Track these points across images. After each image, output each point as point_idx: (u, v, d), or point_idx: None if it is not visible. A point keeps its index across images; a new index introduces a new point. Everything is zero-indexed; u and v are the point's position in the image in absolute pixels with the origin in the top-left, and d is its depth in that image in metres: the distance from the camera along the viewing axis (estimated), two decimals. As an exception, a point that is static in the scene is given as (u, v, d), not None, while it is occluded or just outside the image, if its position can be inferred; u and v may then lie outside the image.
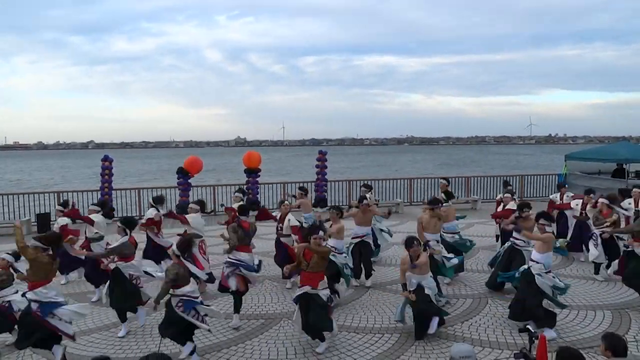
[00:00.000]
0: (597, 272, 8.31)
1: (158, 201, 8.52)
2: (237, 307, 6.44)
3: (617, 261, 7.87)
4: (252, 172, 15.40)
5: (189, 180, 14.77)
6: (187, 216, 7.73)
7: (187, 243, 5.68)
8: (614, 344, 4.05)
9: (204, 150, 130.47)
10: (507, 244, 7.74)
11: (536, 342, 4.11)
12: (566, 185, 11.11)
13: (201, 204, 8.27)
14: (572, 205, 9.57)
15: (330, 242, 6.95)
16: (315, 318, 5.55)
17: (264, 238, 10.48)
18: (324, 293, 5.67)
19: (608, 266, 8.34)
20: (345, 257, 7.34)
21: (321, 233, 5.79)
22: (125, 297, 6.14)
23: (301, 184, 16.27)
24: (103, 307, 7.10)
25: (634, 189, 9.23)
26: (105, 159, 14.83)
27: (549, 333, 5.61)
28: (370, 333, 6.18)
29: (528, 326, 4.51)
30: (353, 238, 8.02)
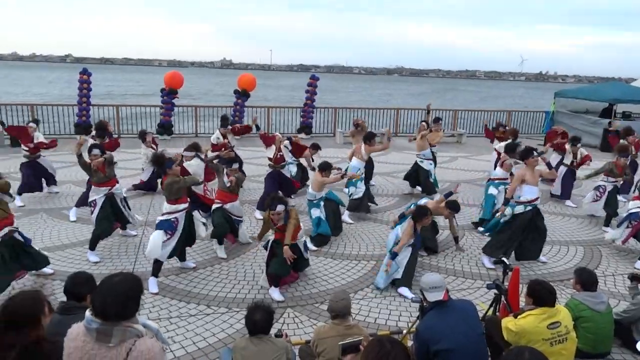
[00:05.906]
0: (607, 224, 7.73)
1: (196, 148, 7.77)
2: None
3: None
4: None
5: (173, 100, 14.49)
6: (186, 165, 7.14)
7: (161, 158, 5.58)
8: (585, 278, 4.14)
9: (188, 70, 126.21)
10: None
11: (510, 273, 4.17)
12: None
13: (195, 147, 7.64)
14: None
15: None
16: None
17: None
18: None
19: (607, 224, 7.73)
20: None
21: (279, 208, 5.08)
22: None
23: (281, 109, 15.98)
24: (77, 224, 7.06)
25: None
26: (84, 72, 14.18)
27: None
28: (348, 259, 6.26)
29: (503, 258, 4.56)
30: None
